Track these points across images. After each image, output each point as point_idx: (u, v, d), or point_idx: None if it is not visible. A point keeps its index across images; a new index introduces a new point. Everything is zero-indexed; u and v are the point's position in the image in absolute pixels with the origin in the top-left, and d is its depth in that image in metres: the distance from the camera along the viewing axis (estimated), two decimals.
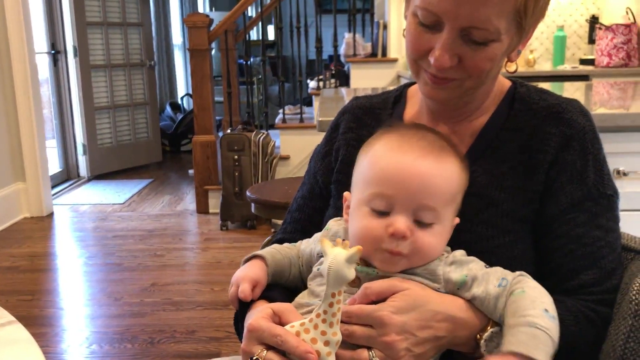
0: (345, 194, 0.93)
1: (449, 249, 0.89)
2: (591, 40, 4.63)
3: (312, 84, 5.08)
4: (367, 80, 4.66)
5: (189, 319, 2.79)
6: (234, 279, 0.95)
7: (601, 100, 2.46)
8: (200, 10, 9.25)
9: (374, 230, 0.83)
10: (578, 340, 0.88)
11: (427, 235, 0.83)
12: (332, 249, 0.76)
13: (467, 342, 0.84)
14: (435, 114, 1.02)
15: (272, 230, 3.96)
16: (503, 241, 0.92)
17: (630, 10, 4.31)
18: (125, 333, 2.68)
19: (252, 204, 2.62)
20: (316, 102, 4.67)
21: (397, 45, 4.73)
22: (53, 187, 5.06)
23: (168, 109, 7.34)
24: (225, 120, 5.04)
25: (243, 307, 0.94)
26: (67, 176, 5.68)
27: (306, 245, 1.00)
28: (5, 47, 4.25)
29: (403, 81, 3.68)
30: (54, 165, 5.47)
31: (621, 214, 0.97)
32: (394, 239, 0.82)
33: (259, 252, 0.98)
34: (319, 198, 1.10)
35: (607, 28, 4.31)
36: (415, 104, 1.07)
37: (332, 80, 4.82)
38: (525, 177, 0.94)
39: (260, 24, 4.91)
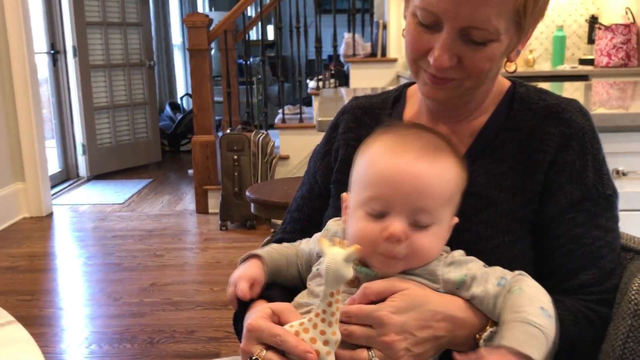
0: (344, 195, 0.93)
1: (448, 249, 0.89)
2: (590, 40, 4.63)
3: (311, 84, 5.08)
4: (367, 80, 4.66)
5: (188, 319, 2.80)
6: (232, 279, 0.95)
7: (600, 100, 2.46)
8: (200, 10, 9.25)
9: (370, 233, 0.83)
10: (577, 340, 0.88)
11: (424, 237, 0.83)
12: (330, 249, 0.76)
13: (466, 341, 0.84)
14: (434, 114, 1.02)
15: (272, 230, 3.96)
16: (502, 241, 0.92)
17: (629, 10, 4.31)
18: (125, 333, 2.68)
19: (252, 204, 2.62)
20: (316, 102, 4.67)
21: (397, 45, 4.73)
22: (52, 187, 5.06)
23: (167, 109, 7.34)
24: (225, 120, 5.04)
25: (242, 306, 0.94)
26: (67, 176, 5.68)
27: (306, 245, 1.00)
28: (5, 47, 4.25)
29: (402, 81, 3.68)
30: (54, 165, 5.47)
31: (620, 214, 0.97)
32: (389, 242, 0.82)
33: (256, 251, 0.98)
34: (319, 198, 1.10)
35: (607, 28, 4.31)
36: (414, 104, 1.07)
37: (332, 80, 4.82)
38: (525, 177, 0.94)
39: (259, 24, 4.91)
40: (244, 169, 4.12)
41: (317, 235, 0.98)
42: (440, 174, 0.84)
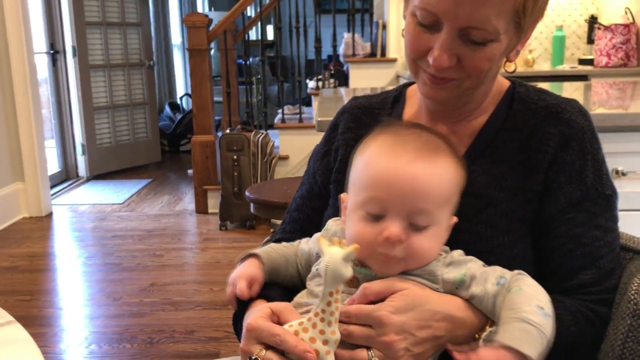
0: (342, 195, 0.93)
1: (447, 248, 0.89)
2: (590, 40, 4.63)
3: (311, 84, 5.08)
4: (366, 80, 4.66)
5: (188, 319, 2.79)
6: (230, 279, 0.95)
7: (600, 100, 2.47)
8: (200, 10, 9.25)
9: (368, 235, 0.83)
10: (577, 340, 0.88)
11: (422, 238, 0.83)
12: (329, 248, 0.76)
13: (466, 341, 0.84)
14: (434, 114, 1.02)
15: (271, 230, 3.96)
16: (502, 241, 0.92)
17: (629, 10, 4.31)
18: (125, 333, 2.68)
19: (251, 204, 2.62)
20: (315, 102, 4.67)
21: (396, 45, 4.73)
22: (52, 187, 5.06)
23: (167, 109, 7.34)
24: (225, 120, 5.04)
25: (242, 306, 0.94)
26: (66, 176, 5.68)
27: (305, 245, 1.00)
28: (4, 47, 4.25)
29: (402, 81, 3.68)
30: (53, 165, 5.47)
31: (620, 214, 0.97)
32: (387, 244, 0.82)
33: (254, 250, 0.98)
34: (318, 198, 1.10)
35: (606, 28, 4.32)
36: (414, 104, 1.07)
37: (331, 80, 4.82)
38: (524, 177, 0.94)
39: (259, 24, 4.92)
40: (243, 169, 4.12)
41: (317, 235, 0.98)
42: (437, 175, 0.84)
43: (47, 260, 3.70)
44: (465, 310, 0.84)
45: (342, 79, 4.99)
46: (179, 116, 7.15)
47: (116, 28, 5.84)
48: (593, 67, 4.34)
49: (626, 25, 4.27)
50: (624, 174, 1.88)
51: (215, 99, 5.04)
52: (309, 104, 5.62)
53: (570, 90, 2.69)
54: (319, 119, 1.98)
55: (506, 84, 1.03)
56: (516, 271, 0.86)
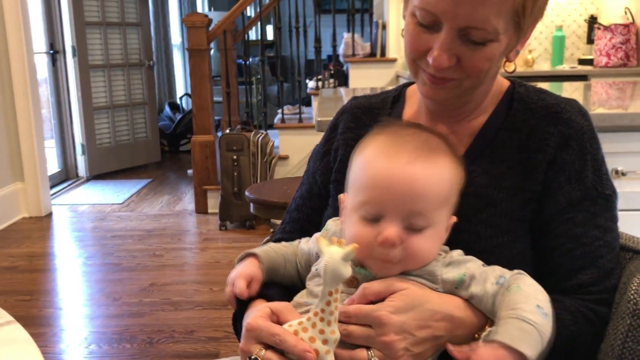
0: (341, 196, 0.93)
1: (447, 248, 0.89)
2: (590, 40, 4.63)
3: (311, 84, 5.08)
4: (366, 80, 4.66)
5: (187, 319, 2.79)
6: (229, 279, 0.95)
7: (600, 100, 2.47)
8: (199, 10, 9.25)
9: (366, 237, 0.82)
10: (576, 339, 0.88)
11: (419, 240, 0.83)
12: (328, 248, 0.76)
13: (465, 341, 0.84)
14: (433, 114, 1.02)
15: (271, 230, 3.96)
16: (502, 241, 0.92)
17: (628, 10, 4.31)
18: (124, 333, 2.68)
19: (251, 204, 2.62)
20: (315, 102, 4.67)
21: (396, 45, 4.73)
22: (52, 187, 5.06)
23: (167, 108, 7.34)
24: (224, 120, 5.04)
25: (241, 306, 0.94)
26: (66, 176, 5.68)
27: (305, 245, 1.00)
28: (4, 47, 4.25)
29: (402, 81, 3.68)
30: (53, 165, 5.46)
31: (619, 214, 0.97)
32: (384, 247, 0.82)
33: (252, 250, 0.98)
34: (318, 198, 1.10)
35: (606, 28, 4.32)
36: (414, 104, 1.07)
37: (331, 80, 4.82)
38: (524, 177, 0.94)
39: (259, 24, 4.92)
40: (243, 169, 4.12)
41: (316, 235, 0.98)
42: (434, 177, 0.83)
43: (47, 260, 3.70)
44: (464, 310, 0.84)
45: (342, 79, 4.99)
46: (178, 116, 7.15)
47: (116, 28, 5.84)
48: (593, 67, 4.35)
49: (626, 25, 4.27)
50: (623, 174, 1.88)
51: (215, 99, 5.04)
52: (308, 104, 5.62)
53: (570, 90, 2.69)
54: (319, 119, 1.99)
55: (506, 84, 1.03)
56: (516, 271, 0.86)
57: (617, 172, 1.87)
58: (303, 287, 0.94)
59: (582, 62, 4.51)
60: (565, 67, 4.38)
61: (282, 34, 5.51)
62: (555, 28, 4.60)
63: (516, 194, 0.94)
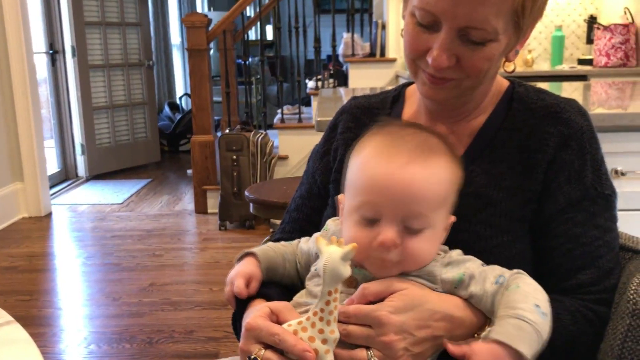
0: (339, 196, 0.93)
1: (446, 248, 0.89)
2: (589, 40, 4.63)
3: (310, 84, 5.08)
4: (366, 80, 4.66)
5: (187, 319, 2.79)
6: (228, 278, 0.95)
7: (599, 100, 2.47)
8: (199, 10, 9.25)
9: (363, 239, 0.82)
10: (576, 339, 0.89)
11: (417, 241, 0.82)
12: (327, 247, 0.76)
13: (465, 341, 0.84)
14: (433, 114, 1.02)
15: (271, 230, 3.96)
16: (501, 241, 0.92)
17: (628, 10, 4.31)
18: (124, 333, 2.68)
19: (251, 204, 2.62)
20: (314, 102, 4.67)
21: (396, 45, 4.73)
22: (51, 187, 5.06)
23: (166, 108, 7.34)
24: (224, 120, 5.04)
25: (240, 305, 0.94)
26: (66, 176, 5.68)
27: (305, 245, 1.00)
28: (4, 47, 4.25)
29: (401, 81, 3.68)
30: (52, 165, 5.46)
31: (619, 214, 0.97)
32: (382, 248, 0.81)
33: (250, 249, 0.98)
34: (318, 198, 1.10)
35: (605, 28, 4.32)
36: (413, 104, 1.07)
37: (331, 80, 4.82)
38: (524, 176, 0.94)
39: (258, 23, 4.91)
40: (242, 169, 4.12)
41: (316, 235, 0.98)
42: (431, 178, 0.83)
43: (47, 260, 3.70)
44: (464, 310, 0.84)
45: (342, 79, 4.99)
46: (178, 116, 7.15)
47: (115, 28, 5.83)
48: (592, 67, 4.35)
49: (625, 25, 4.27)
50: (623, 174, 1.88)
51: (215, 99, 5.04)
52: (308, 104, 5.62)
53: (570, 90, 2.70)
54: (319, 119, 1.99)
55: (505, 83, 1.03)
56: (515, 270, 0.86)
57: (616, 172, 1.87)
58: (303, 286, 0.94)
59: (581, 62, 4.51)
60: (564, 67, 4.38)
61: (282, 34, 5.51)
62: (554, 28, 4.60)
63: (516, 194, 0.94)
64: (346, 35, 4.85)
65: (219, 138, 4.18)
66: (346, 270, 0.76)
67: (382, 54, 4.79)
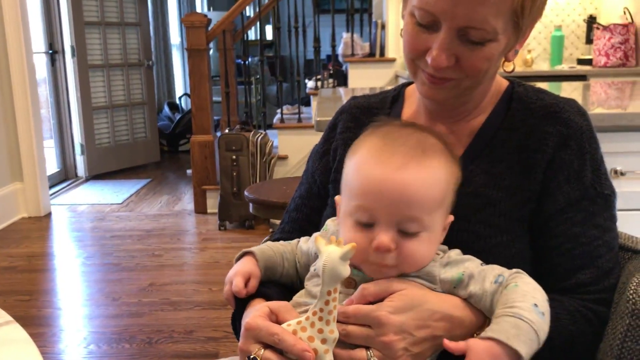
0: (337, 198, 0.93)
1: (445, 248, 0.89)
2: (589, 40, 4.63)
3: (310, 83, 5.08)
4: (365, 80, 4.66)
5: (187, 319, 2.79)
6: (227, 278, 0.95)
7: (599, 100, 2.47)
8: (198, 10, 9.24)
9: (360, 243, 0.81)
10: (575, 339, 0.88)
11: (414, 244, 0.82)
12: (326, 247, 0.76)
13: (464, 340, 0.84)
14: (432, 114, 1.02)
15: (270, 230, 3.96)
16: (500, 240, 0.92)
17: (627, 10, 4.32)
18: (123, 333, 2.68)
19: (250, 204, 2.62)
20: (314, 102, 4.67)
21: (395, 45, 4.73)
22: (51, 187, 5.05)
23: (166, 108, 7.34)
24: (223, 120, 5.04)
25: (240, 305, 0.94)
26: (65, 176, 5.67)
27: (305, 244, 1.00)
28: (3, 47, 4.25)
29: (401, 81, 3.68)
30: (52, 165, 5.46)
31: (618, 214, 0.97)
32: (378, 253, 0.81)
33: (249, 249, 0.98)
34: (317, 198, 1.10)
35: (605, 28, 4.32)
36: (413, 104, 1.07)
37: (330, 80, 4.82)
38: (523, 176, 0.94)
39: (258, 23, 4.91)
40: (242, 169, 4.12)
41: (315, 235, 0.98)
42: (427, 181, 0.82)
43: (46, 260, 3.70)
44: (463, 310, 0.84)
45: (341, 79, 4.99)
46: (177, 116, 7.14)
47: (115, 28, 5.83)
48: (592, 67, 4.35)
49: (625, 25, 4.27)
50: (622, 174, 1.88)
51: (214, 98, 5.04)
52: (307, 103, 5.62)
53: (569, 90, 2.70)
54: (318, 119, 1.99)
55: (505, 83, 1.03)
56: (514, 269, 0.86)
57: (616, 172, 1.87)
58: (302, 286, 0.94)
59: (581, 62, 4.51)
60: (564, 67, 4.38)
61: (281, 33, 5.51)
62: (554, 28, 4.60)
63: (515, 194, 0.94)
64: (346, 35, 4.85)
65: (219, 138, 4.18)
66: (345, 270, 0.75)
67: (382, 54, 4.79)
